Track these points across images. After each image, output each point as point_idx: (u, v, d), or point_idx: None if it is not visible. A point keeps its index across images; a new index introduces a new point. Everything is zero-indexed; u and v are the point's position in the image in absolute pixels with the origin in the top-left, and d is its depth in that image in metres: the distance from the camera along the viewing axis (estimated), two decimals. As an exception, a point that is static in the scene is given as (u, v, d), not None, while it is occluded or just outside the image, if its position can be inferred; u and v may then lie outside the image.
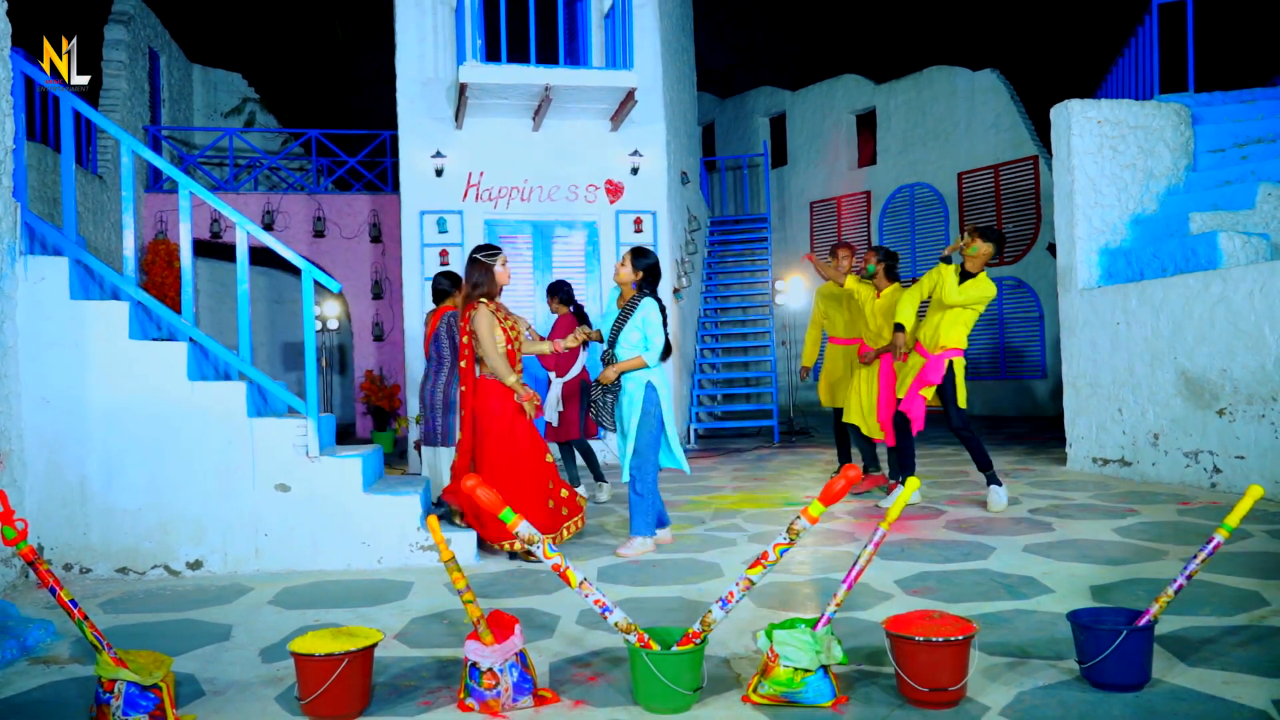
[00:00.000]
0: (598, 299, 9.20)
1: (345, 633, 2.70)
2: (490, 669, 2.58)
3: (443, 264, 9.03)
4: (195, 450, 4.41)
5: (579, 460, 6.83)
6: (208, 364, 4.88)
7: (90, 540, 4.35)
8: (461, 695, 2.63)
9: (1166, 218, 7.18)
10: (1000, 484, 5.70)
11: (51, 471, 4.31)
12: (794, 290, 12.09)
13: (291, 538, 4.47)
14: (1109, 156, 7.39)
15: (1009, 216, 13.39)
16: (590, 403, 4.88)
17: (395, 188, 11.96)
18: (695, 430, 11.00)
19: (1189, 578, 2.67)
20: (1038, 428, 11.31)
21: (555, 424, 6.41)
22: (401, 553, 4.53)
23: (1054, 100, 7.60)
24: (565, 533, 4.78)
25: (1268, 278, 5.70)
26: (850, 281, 6.55)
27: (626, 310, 4.74)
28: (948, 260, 5.71)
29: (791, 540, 2.60)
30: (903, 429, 5.82)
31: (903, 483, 5.63)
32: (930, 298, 5.84)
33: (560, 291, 6.63)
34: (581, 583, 2.63)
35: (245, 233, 4.70)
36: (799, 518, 2.58)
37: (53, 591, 2.61)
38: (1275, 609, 3.31)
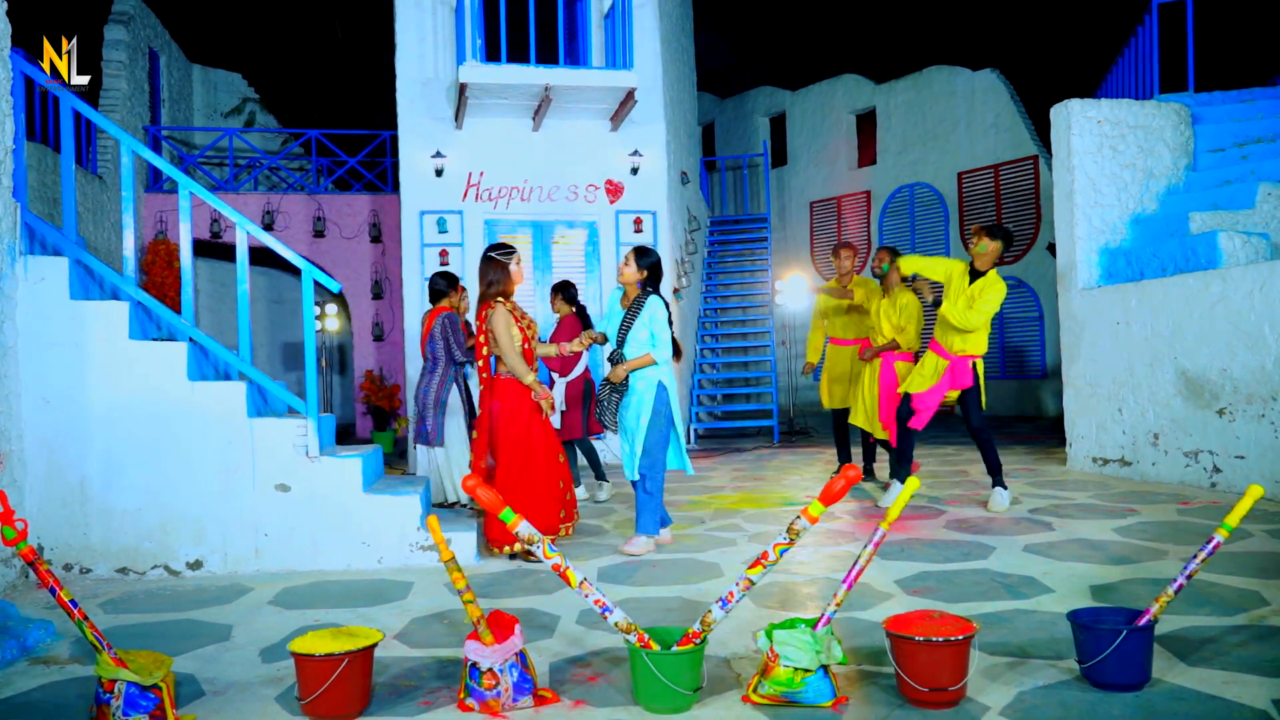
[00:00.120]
0: (598, 299, 9.20)
1: (345, 633, 2.70)
2: (490, 669, 2.58)
3: (443, 264, 9.03)
4: (195, 450, 4.41)
5: (580, 460, 6.83)
6: (208, 364, 4.88)
7: (90, 540, 4.35)
8: (461, 695, 2.63)
9: (1166, 217, 7.18)
10: (1006, 488, 5.70)
11: (51, 471, 4.31)
12: (794, 290, 12.09)
13: (291, 538, 4.47)
14: (1109, 156, 7.39)
15: (1009, 216, 13.38)
16: (595, 401, 4.88)
17: (395, 188, 11.96)
18: (695, 430, 11.00)
19: (1189, 578, 2.67)
20: (1038, 428, 11.31)
21: (558, 424, 6.41)
22: (401, 553, 4.53)
23: (1054, 100, 7.60)
24: (560, 534, 4.80)
25: (1268, 278, 5.70)
26: (859, 295, 6.57)
27: (633, 309, 4.75)
28: (894, 263, 5.72)
29: (791, 540, 2.60)
30: (904, 427, 5.78)
31: (902, 480, 5.61)
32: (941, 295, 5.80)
33: (565, 291, 6.63)
34: (581, 583, 2.63)
35: (245, 233, 4.70)
36: (799, 518, 2.58)
37: (53, 591, 2.61)
38: (1275, 609, 3.31)
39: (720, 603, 2.61)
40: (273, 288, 14.42)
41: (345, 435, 12.37)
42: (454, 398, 6.05)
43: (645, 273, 4.78)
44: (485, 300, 4.71)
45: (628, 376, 4.72)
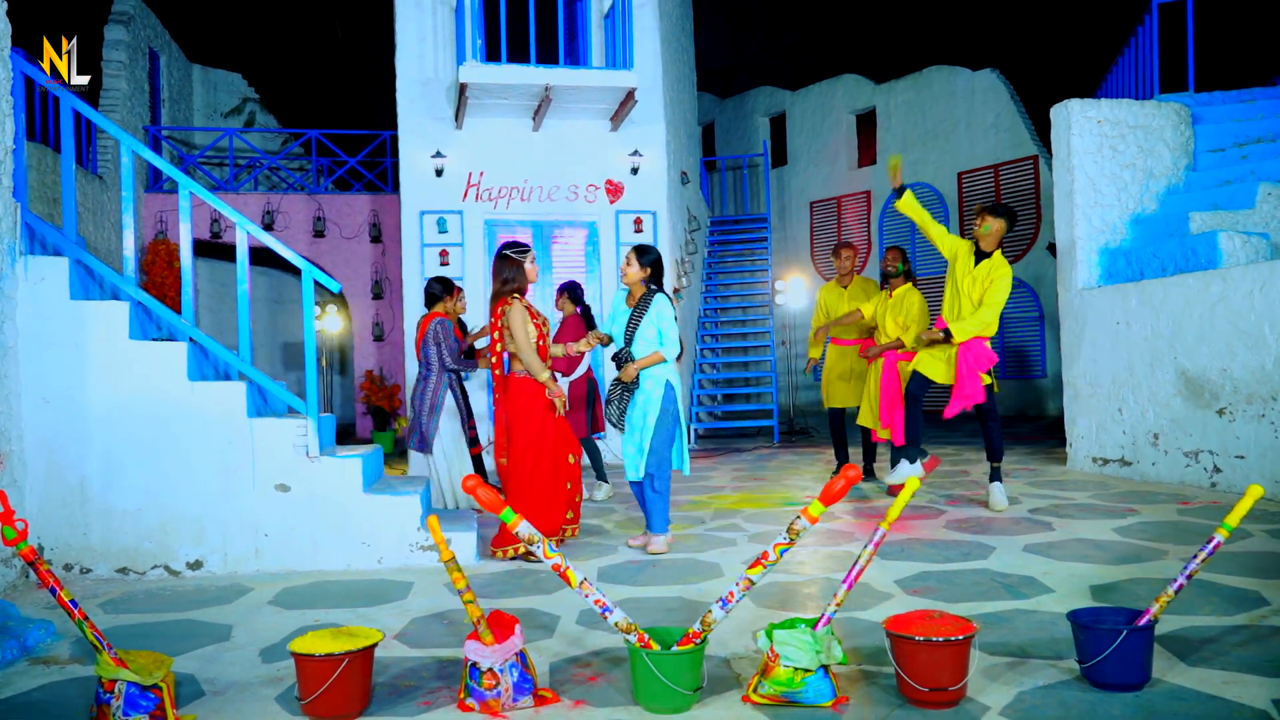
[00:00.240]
0: (598, 299, 9.20)
1: (345, 633, 2.70)
2: (490, 669, 2.58)
3: (443, 264, 9.04)
4: (195, 450, 4.41)
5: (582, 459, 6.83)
6: (208, 364, 4.88)
7: (90, 540, 4.35)
8: (461, 695, 2.63)
9: (1166, 217, 7.18)
10: (1001, 481, 5.72)
11: (51, 472, 4.31)
12: (794, 290, 12.10)
13: (291, 538, 4.47)
14: (1109, 156, 7.39)
15: (1009, 216, 13.37)
16: (606, 401, 4.89)
17: (395, 188, 11.96)
18: (695, 430, 11.00)
19: (1189, 578, 2.67)
20: (1038, 428, 11.31)
21: None
22: (401, 553, 4.53)
23: (1054, 100, 7.60)
24: (563, 536, 4.80)
25: (1268, 277, 5.70)
26: (868, 311, 6.57)
27: (640, 308, 4.77)
28: (900, 191, 5.65)
29: (791, 540, 2.60)
30: (913, 405, 5.68)
31: (911, 461, 5.56)
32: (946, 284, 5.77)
33: (571, 291, 6.64)
34: (581, 583, 2.63)
35: (245, 233, 4.70)
36: (799, 518, 2.58)
37: (53, 592, 2.61)
38: (1275, 609, 3.31)
39: (720, 603, 2.61)
40: (273, 288, 14.42)
41: (345, 435, 12.38)
42: (450, 402, 6.04)
43: (649, 271, 4.80)
44: (500, 297, 4.71)
45: (638, 375, 4.73)
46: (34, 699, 2.78)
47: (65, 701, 2.75)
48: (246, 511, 4.44)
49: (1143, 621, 2.63)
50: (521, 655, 2.66)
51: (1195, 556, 2.66)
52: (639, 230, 9.45)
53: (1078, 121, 7.34)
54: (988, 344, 5.51)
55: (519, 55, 8.69)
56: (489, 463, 8.98)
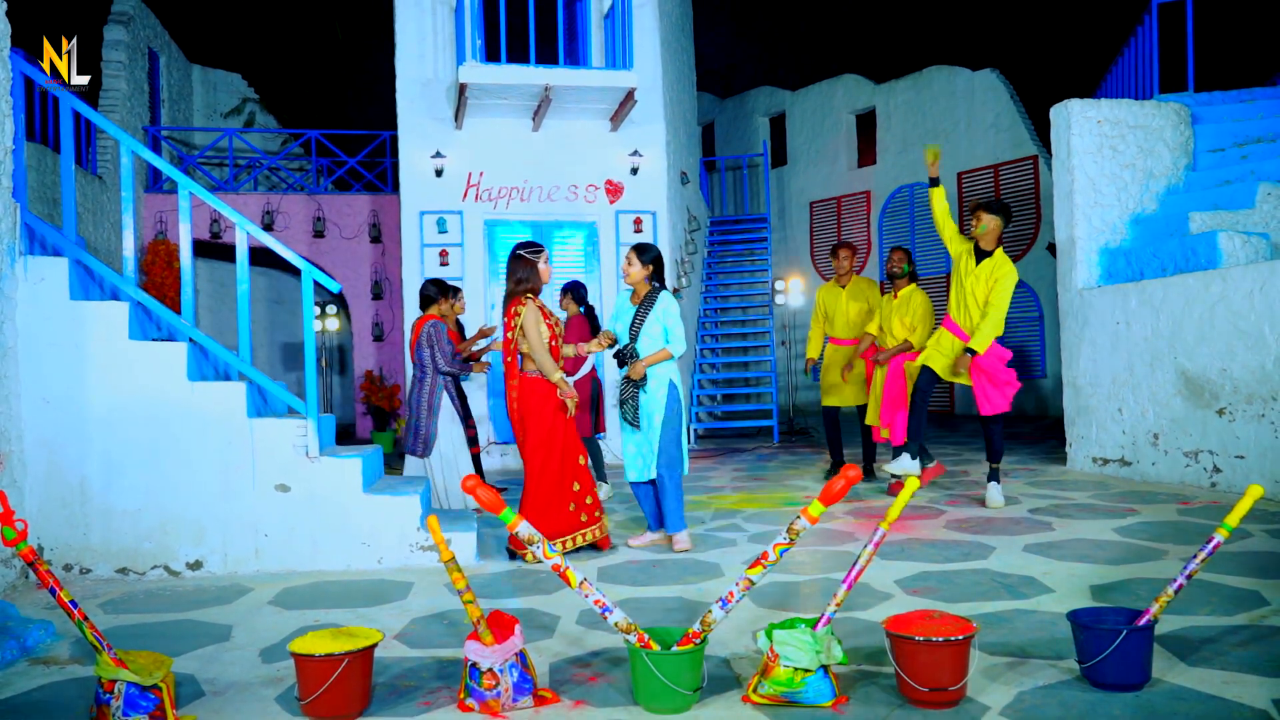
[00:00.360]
0: (598, 299, 9.20)
1: (345, 633, 2.70)
2: (490, 669, 2.58)
3: (442, 264, 9.04)
4: (195, 451, 4.40)
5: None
6: (208, 364, 4.88)
7: (90, 541, 4.35)
8: (461, 695, 2.63)
9: (1166, 217, 7.18)
10: (999, 481, 5.75)
11: (51, 472, 4.31)
12: (794, 290, 12.10)
13: (291, 538, 4.47)
14: (1109, 156, 7.39)
15: (1009, 216, 13.38)
16: (620, 401, 4.89)
17: (395, 188, 11.96)
18: (695, 430, 11.00)
19: (1189, 577, 2.67)
20: (1037, 428, 11.31)
21: None
22: (401, 553, 4.53)
23: (1054, 100, 7.60)
24: (579, 539, 4.67)
25: (1268, 277, 5.70)
26: (873, 326, 6.60)
27: (644, 306, 4.79)
28: (935, 182, 5.65)
29: (791, 540, 2.60)
30: (918, 401, 5.68)
31: (914, 456, 5.58)
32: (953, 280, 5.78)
33: (575, 292, 6.64)
34: (581, 583, 2.63)
35: (245, 233, 4.69)
36: (799, 518, 2.59)
37: (53, 592, 2.61)
38: (1275, 609, 3.31)
39: (720, 603, 2.61)
40: (273, 288, 14.42)
41: (345, 435, 12.38)
42: (446, 403, 6.03)
43: (651, 268, 4.82)
44: (514, 297, 4.71)
45: (646, 373, 4.74)
46: (34, 699, 2.78)
47: (65, 702, 2.75)
48: (246, 512, 4.44)
49: (1143, 621, 2.63)
50: (521, 655, 2.66)
51: (1195, 556, 2.66)
52: (639, 230, 9.45)
53: (1078, 121, 7.34)
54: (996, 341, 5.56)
55: (519, 55, 8.69)
56: (489, 463, 9.00)
